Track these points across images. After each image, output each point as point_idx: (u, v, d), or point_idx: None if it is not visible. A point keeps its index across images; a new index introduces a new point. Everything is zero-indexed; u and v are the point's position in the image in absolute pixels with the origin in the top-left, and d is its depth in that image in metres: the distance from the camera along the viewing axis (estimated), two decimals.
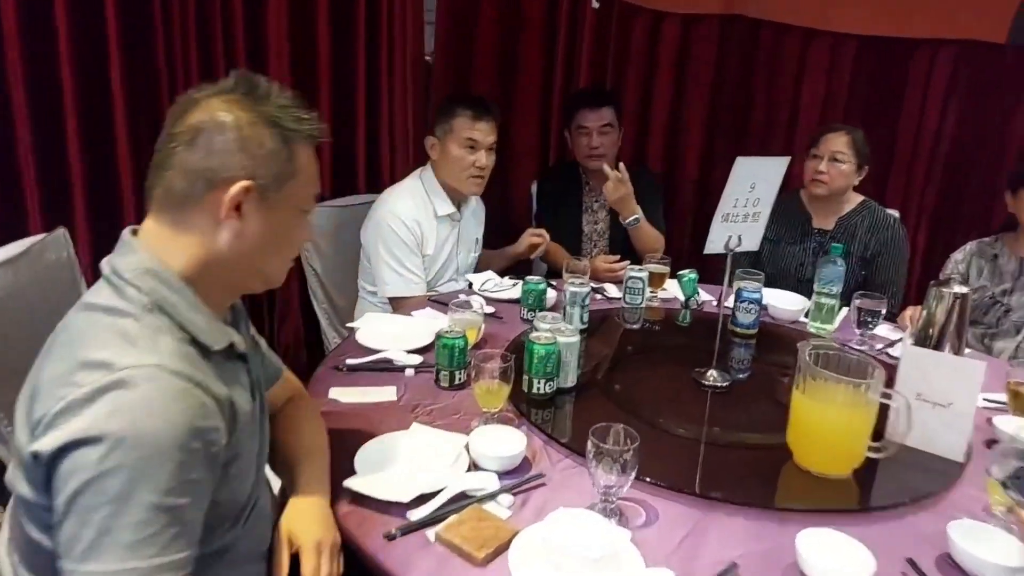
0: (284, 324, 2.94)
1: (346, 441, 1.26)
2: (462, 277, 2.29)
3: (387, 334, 1.71)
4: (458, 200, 2.29)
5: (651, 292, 2.16)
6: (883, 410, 1.26)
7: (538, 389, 1.45)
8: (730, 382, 1.61)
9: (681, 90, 3.32)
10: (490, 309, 2.00)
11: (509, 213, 3.27)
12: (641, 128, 3.35)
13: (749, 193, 1.47)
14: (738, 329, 1.93)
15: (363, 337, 1.70)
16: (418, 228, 2.15)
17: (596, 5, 3.03)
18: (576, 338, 1.49)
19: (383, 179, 2.77)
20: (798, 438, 1.30)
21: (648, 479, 1.20)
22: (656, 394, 1.61)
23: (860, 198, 2.52)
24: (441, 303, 2.03)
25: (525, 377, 1.46)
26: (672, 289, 2.23)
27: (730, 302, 1.98)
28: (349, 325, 1.82)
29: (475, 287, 2.13)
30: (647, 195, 2.61)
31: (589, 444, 1.10)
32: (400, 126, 2.94)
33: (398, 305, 2.12)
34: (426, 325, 1.76)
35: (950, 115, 3.27)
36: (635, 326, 2.07)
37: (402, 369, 1.57)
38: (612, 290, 2.25)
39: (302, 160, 1.00)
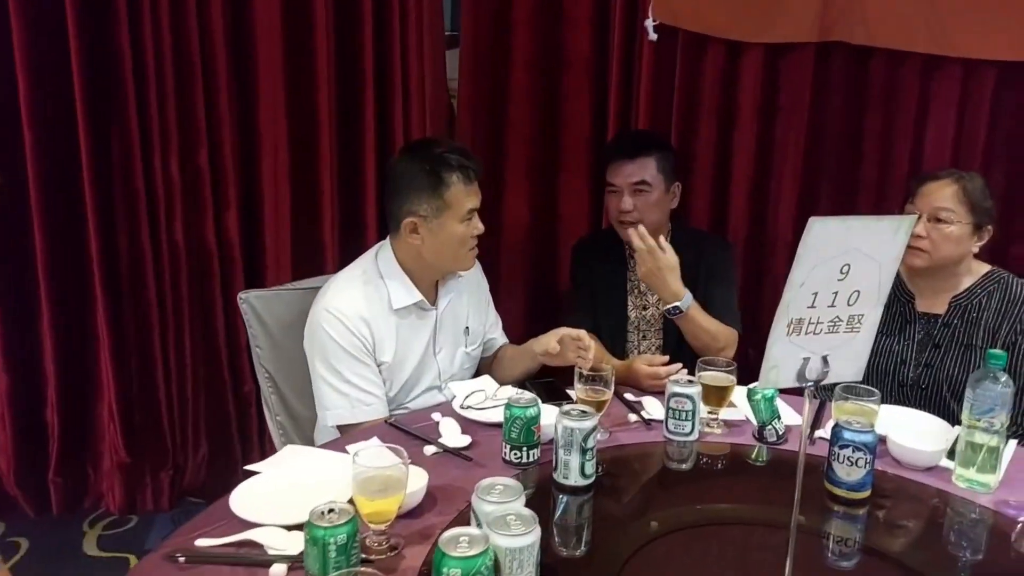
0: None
1: None
2: (448, 385, 1.69)
3: (278, 493, 1.14)
4: (431, 282, 1.73)
5: (709, 413, 1.50)
6: None
7: None
8: None
9: (769, 137, 2.66)
10: (465, 440, 1.40)
11: (554, 293, 2.69)
12: (719, 185, 2.70)
13: (839, 281, 0.82)
14: (837, 490, 1.22)
15: (238, 502, 1.12)
16: (366, 328, 1.59)
17: (653, 36, 2.46)
18: (531, 537, 0.86)
19: None
20: None
21: None
22: None
23: (984, 268, 1.82)
24: (401, 429, 1.46)
25: None
26: (744, 406, 1.55)
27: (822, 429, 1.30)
28: (248, 468, 1.27)
29: (457, 403, 1.54)
30: (715, 273, 1.97)
31: None
32: None
33: (350, 435, 1.53)
34: (340, 479, 1.16)
35: None
36: (683, 466, 1.41)
37: (268, 564, 0.99)
38: (655, 407, 1.59)
39: None
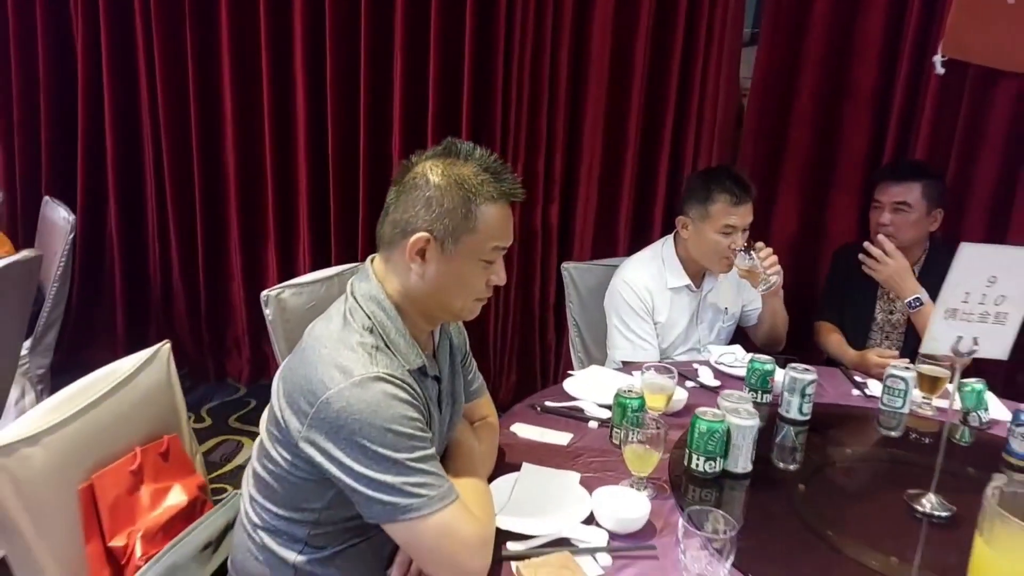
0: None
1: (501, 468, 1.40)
2: (705, 349, 2.23)
3: (590, 386, 1.79)
4: (700, 272, 2.25)
5: (924, 398, 1.85)
6: None
7: (697, 466, 1.39)
8: (952, 512, 1.31)
9: None
10: (716, 382, 1.93)
11: (817, 291, 3.02)
12: (998, 220, 2.79)
13: (987, 288, 1.21)
14: (1014, 460, 1.54)
15: (569, 385, 1.80)
16: (649, 296, 2.18)
17: (941, 71, 2.66)
18: (752, 422, 1.38)
19: None
20: None
21: None
22: (849, 508, 1.39)
23: None
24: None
25: (687, 451, 1.41)
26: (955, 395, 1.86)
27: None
28: (570, 373, 1.94)
29: (712, 358, 2.07)
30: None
31: (680, 524, 1.05)
32: None
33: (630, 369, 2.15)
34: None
35: None
36: (893, 433, 1.78)
37: (587, 420, 1.64)
38: (878, 388, 1.96)
39: (484, 218, 1.16)
